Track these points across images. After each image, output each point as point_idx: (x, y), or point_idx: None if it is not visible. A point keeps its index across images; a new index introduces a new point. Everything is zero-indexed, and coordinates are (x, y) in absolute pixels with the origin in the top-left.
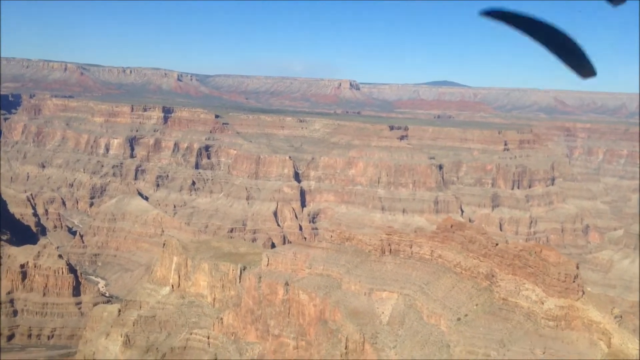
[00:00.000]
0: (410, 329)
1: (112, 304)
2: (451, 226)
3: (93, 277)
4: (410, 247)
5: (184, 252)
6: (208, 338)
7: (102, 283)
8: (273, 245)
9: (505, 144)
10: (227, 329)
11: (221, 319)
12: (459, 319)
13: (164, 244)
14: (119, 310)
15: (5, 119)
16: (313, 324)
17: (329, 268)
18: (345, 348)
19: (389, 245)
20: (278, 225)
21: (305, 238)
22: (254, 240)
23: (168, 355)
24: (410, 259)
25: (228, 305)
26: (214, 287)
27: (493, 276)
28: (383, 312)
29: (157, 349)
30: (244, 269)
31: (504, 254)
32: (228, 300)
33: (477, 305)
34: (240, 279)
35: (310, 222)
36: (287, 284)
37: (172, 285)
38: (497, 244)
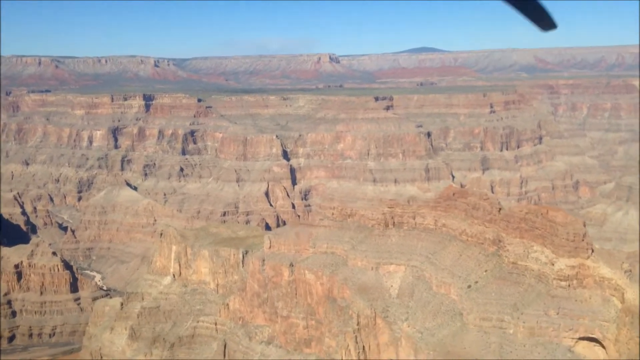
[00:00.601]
0: (421, 300)
1: (111, 297)
2: (453, 194)
3: (88, 272)
4: (414, 219)
5: (183, 240)
6: (215, 324)
7: (98, 277)
8: (267, 226)
9: (491, 107)
10: (234, 314)
11: (227, 304)
12: (469, 287)
13: (161, 234)
14: (122, 304)
15: None
16: (321, 303)
17: (333, 245)
18: (357, 324)
19: (392, 218)
20: (270, 205)
21: (298, 216)
22: (247, 222)
23: (176, 344)
24: (414, 230)
25: (232, 290)
26: (216, 273)
27: (500, 241)
28: (392, 286)
29: (163, 339)
30: (246, 253)
31: (510, 218)
32: (232, 285)
33: (486, 271)
34: (243, 263)
35: (302, 199)
36: (291, 264)
37: (174, 275)
38: (500, 209)
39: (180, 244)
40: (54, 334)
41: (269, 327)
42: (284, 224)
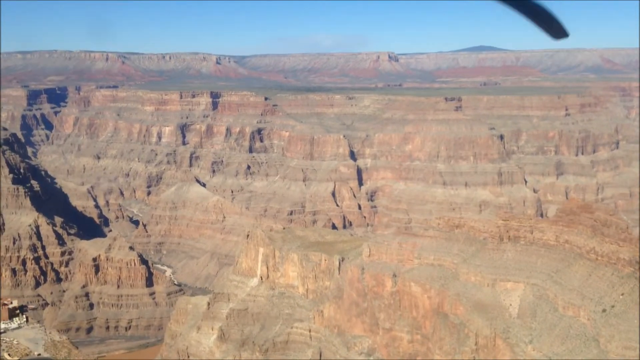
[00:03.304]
0: (545, 321)
1: (184, 292)
2: (576, 208)
3: (159, 266)
4: (532, 233)
5: (271, 242)
6: (309, 331)
7: (169, 271)
8: (334, 226)
9: (566, 109)
10: (329, 321)
11: (321, 311)
12: (604, 311)
13: (247, 235)
14: (208, 304)
15: (56, 113)
16: (429, 317)
17: (440, 257)
18: (475, 344)
19: (507, 231)
20: (337, 205)
21: (364, 217)
22: (314, 222)
23: (270, 349)
24: (532, 245)
25: (323, 296)
26: (306, 277)
27: (638, 262)
28: (511, 304)
29: (253, 342)
30: (342, 260)
31: None
32: (322, 291)
33: (622, 294)
34: (339, 270)
35: (368, 200)
36: (394, 275)
37: (261, 277)
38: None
39: (268, 246)
40: (129, 327)
41: (369, 339)
42: (350, 225)
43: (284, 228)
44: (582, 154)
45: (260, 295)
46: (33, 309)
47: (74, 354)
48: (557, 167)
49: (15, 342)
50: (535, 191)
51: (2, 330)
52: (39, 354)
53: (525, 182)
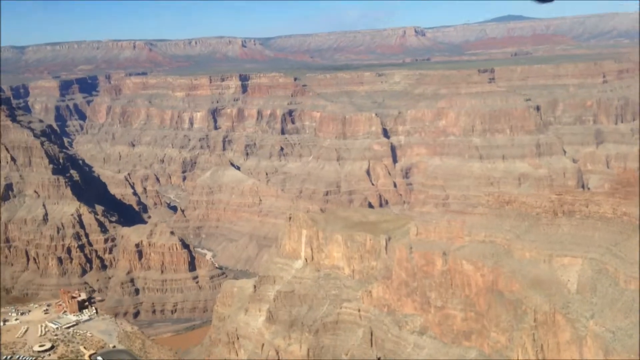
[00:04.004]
0: (606, 296)
1: (226, 276)
2: (633, 179)
3: (199, 250)
4: (587, 207)
5: (314, 224)
6: (359, 311)
7: (209, 255)
8: (370, 205)
9: (604, 76)
10: (378, 301)
11: (369, 291)
12: None
13: (290, 218)
14: (255, 287)
15: (88, 102)
16: (482, 295)
17: (492, 234)
18: (534, 320)
19: (562, 205)
20: (372, 184)
21: (400, 195)
22: (350, 202)
23: (321, 330)
24: (588, 219)
25: (371, 276)
26: (352, 258)
27: None
28: (569, 280)
29: (301, 323)
30: (389, 240)
31: None
32: (369, 271)
33: None
34: (386, 250)
35: (403, 177)
36: (444, 253)
37: (305, 259)
38: None
39: (311, 228)
40: (175, 311)
41: (420, 317)
42: (387, 203)
43: (321, 209)
44: (622, 122)
45: (306, 277)
46: (100, 301)
47: (148, 345)
48: (597, 136)
49: (89, 334)
50: (574, 161)
51: (74, 323)
52: (114, 346)
53: (564, 152)
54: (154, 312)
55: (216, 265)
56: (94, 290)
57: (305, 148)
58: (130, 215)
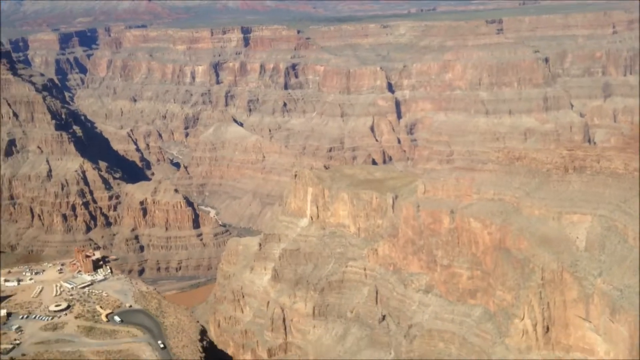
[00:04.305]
0: (615, 254)
1: (230, 233)
2: None
3: (203, 207)
4: (598, 162)
5: (319, 182)
6: (364, 270)
7: (212, 212)
8: (374, 162)
9: (613, 27)
10: (384, 260)
11: (375, 250)
12: None
13: (295, 175)
14: (260, 245)
15: (89, 56)
16: (489, 253)
17: (501, 192)
18: (542, 279)
19: (573, 161)
20: (376, 140)
21: (404, 151)
22: (354, 158)
23: (326, 289)
24: (599, 175)
25: (376, 235)
26: (357, 216)
27: None
28: (577, 237)
29: (307, 281)
30: (396, 198)
31: None
32: (374, 229)
33: None
34: (393, 208)
35: (408, 133)
36: (452, 211)
37: (311, 217)
38: None
39: (317, 185)
40: (179, 268)
41: (426, 276)
42: (390, 159)
43: (324, 166)
44: (631, 73)
45: (311, 235)
46: (115, 260)
47: (164, 304)
48: (605, 89)
49: (104, 294)
50: (582, 115)
51: (89, 283)
52: (130, 306)
53: (572, 106)
54: (158, 269)
55: (220, 223)
56: (98, 247)
57: (309, 104)
58: (134, 171)
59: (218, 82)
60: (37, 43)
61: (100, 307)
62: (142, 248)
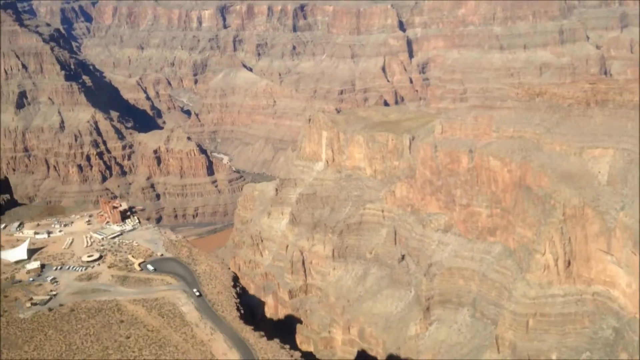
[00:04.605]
0: (637, 187)
1: (244, 179)
2: None
3: (215, 154)
4: (621, 95)
5: (334, 125)
6: (382, 212)
7: (225, 159)
8: (386, 103)
9: None
10: (402, 201)
11: (393, 191)
12: None
13: (309, 120)
14: (276, 190)
15: (94, 4)
16: (509, 191)
17: (521, 129)
18: (563, 214)
19: (595, 95)
20: (387, 81)
21: (416, 91)
22: (365, 100)
23: (345, 231)
24: (622, 108)
25: (393, 176)
26: (373, 159)
27: None
28: (600, 172)
29: (324, 224)
30: (412, 139)
31: None
32: (391, 171)
33: None
34: (410, 149)
35: (420, 73)
36: (471, 151)
37: (327, 161)
38: None
39: (332, 129)
40: (196, 215)
41: (445, 215)
42: (403, 100)
43: (336, 109)
44: None
45: (327, 178)
46: (141, 210)
47: (195, 252)
48: (622, 20)
49: (135, 243)
50: (598, 47)
51: (118, 233)
52: (162, 255)
53: (588, 38)
54: (175, 216)
55: (233, 169)
56: (116, 197)
57: (318, 46)
58: (145, 120)
59: (225, 27)
60: None
61: (132, 256)
62: (158, 196)
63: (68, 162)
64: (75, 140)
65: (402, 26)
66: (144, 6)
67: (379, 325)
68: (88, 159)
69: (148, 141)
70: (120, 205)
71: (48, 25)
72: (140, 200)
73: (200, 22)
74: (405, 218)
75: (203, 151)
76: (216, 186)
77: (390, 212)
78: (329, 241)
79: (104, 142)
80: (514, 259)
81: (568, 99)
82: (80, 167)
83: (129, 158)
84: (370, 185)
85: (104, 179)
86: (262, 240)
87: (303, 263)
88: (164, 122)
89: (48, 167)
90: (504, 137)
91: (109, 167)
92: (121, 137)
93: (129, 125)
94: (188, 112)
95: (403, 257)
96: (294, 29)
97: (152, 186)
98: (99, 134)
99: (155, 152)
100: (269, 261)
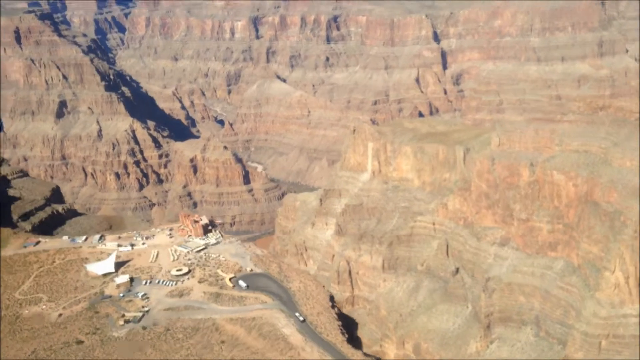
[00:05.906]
0: None
1: (280, 188)
2: None
3: (250, 163)
4: None
5: (381, 136)
6: (433, 224)
7: (259, 168)
8: (420, 114)
9: None
10: (454, 214)
11: (445, 204)
12: None
13: (354, 130)
14: (320, 200)
15: (126, 15)
16: (574, 206)
17: (586, 143)
18: (635, 231)
19: None
20: (421, 92)
21: (450, 102)
22: (399, 110)
23: (394, 243)
24: None
25: (443, 188)
26: (422, 170)
27: None
28: None
29: (372, 235)
30: (467, 151)
31: None
32: (441, 183)
33: None
34: (464, 161)
35: (454, 84)
36: (532, 164)
37: (373, 172)
38: None
39: (378, 140)
40: (233, 223)
41: (501, 230)
42: (437, 111)
43: (371, 119)
44: None
45: (374, 189)
46: (221, 224)
47: (284, 267)
48: None
49: (222, 257)
50: (637, 60)
51: (203, 247)
52: (251, 270)
53: (627, 51)
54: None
55: (269, 178)
56: (153, 204)
57: (352, 57)
58: (180, 129)
59: (258, 37)
60: (74, 3)
61: (222, 271)
62: (195, 204)
63: (105, 170)
64: (113, 148)
65: (436, 37)
66: (177, 17)
67: (435, 341)
68: (125, 167)
69: (184, 150)
70: (201, 219)
71: (85, 35)
72: (177, 208)
73: (233, 33)
74: (457, 231)
75: (239, 160)
76: (252, 195)
77: (442, 224)
78: (377, 252)
79: (141, 151)
80: (579, 275)
81: (635, 112)
82: (117, 174)
83: (166, 166)
84: (419, 196)
85: (141, 186)
86: (306, 250)
87: (350, 273)
88: (199, 131)
89: (85, 175)
90: (568, 150)
91: (145, 175)
92: (158, 145)
93: (165, 134)
94: (222, 122)
95: (457, 270)
96: (327, 40)
97: (189, 194)
98: (137, 142)
99: (191, 160)
100: (314, 270)
